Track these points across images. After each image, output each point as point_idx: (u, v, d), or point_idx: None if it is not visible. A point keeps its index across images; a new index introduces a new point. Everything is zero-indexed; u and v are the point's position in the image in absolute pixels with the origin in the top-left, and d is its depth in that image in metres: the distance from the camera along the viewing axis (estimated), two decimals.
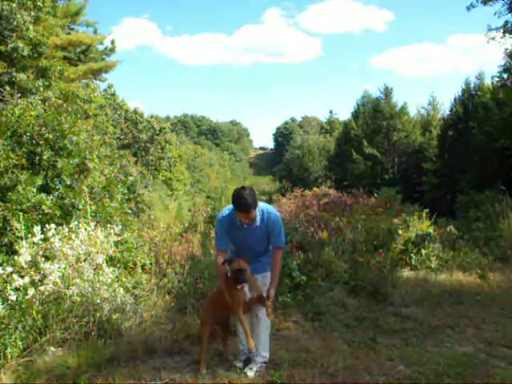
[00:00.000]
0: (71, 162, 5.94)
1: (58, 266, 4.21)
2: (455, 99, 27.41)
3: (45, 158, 5.70)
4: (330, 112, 68.78)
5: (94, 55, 19.06)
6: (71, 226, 4.63)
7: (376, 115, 34.09)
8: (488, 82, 24.20)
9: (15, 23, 9.01)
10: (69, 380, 3.49)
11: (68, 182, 5.76)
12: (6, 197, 5.20)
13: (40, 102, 7.85)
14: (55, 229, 4.41)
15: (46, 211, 5.24)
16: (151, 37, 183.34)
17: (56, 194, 5.64)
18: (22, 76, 9.32)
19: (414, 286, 6.23)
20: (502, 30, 15.25)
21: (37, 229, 4.29)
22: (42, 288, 4.07)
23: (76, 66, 17.08)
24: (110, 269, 4.64)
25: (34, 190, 5.32)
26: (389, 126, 33.17)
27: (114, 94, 20.92)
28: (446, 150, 26.68)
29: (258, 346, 3.73)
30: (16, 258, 4.15)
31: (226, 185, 49.73)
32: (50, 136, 5.85)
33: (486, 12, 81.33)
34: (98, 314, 4.23)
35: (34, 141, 5.79)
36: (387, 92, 34.61)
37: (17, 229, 4.77)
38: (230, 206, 3.53)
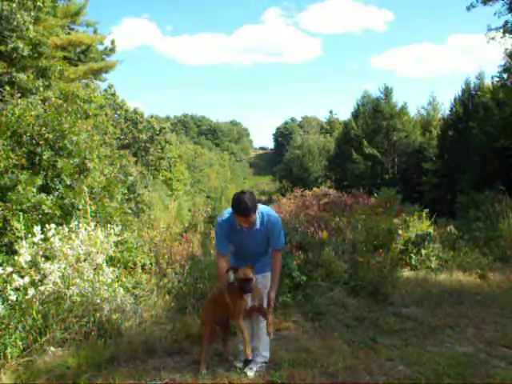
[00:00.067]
0: (71, 161, 5.95)
1: (58, 266, 4.21)
2: (455, 99, 27.43)
3: (45, 157, 5.70)
4: (330, 112, 68.98)
5: (93, 55, 19.05)
6: (71, 226, 4.63)
7: (376, 115, 34.11)
8: (488, 82, 24.25)
9: (15, 23, 9.00)
10: (69, 380, 3.48)
11: (68, 182, 5.76)
12: (6, 197, 5.19)
13: (40, 102, 7.85)
14: (55, 229, 4.41)
15: (46, 211, 5.24)
16: (151, 37, 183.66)
17: (56, 194, 5.64)
18: (21, 76, 9.32)
19: (414, 286, 6.23)
20: (501, 30, 15.25)
21: (37, 229, 4.29)
22: (42, 288, 4.07)
23: (76, 65, 17.08)
24: (110, 269, 4.63)
25: (34, 190, 5.32)
26: (389, 126, 33.18)
27: (114, 94, 20.94)
28: (446, 149, 26.69)
29: (258, 345, 3.74)
30: (16, 258, 4.14)
31: (226, 185, 49.81)
32: (50, 136, 5.85)
33: (486, 12, 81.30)
34: (98, 314, 4.23)
35: (34, 141, 5.79)
36: (387, 92, 34.62)
37: (17, 229, 4.76)
38: (230, 210, 3.53)
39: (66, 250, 4.34)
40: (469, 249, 7.91)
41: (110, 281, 4.47)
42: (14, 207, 5.09)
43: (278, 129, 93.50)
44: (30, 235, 4.34)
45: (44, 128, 5.87)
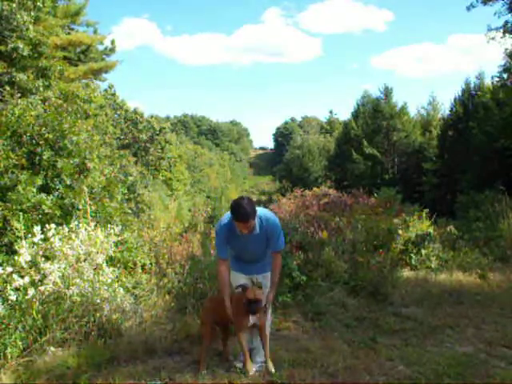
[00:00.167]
0: (71, 161, 5.95)
1: (58, 266, 4.21)
2: (455, 99, 27.43)
3: (45, 157, 5.70)
4: (330, 112, 68.94)
5: (93, 55, 19.07)
6: (71, 226, 4.63)
7: (376, 115, 34.11)
8: (488, 82, 24.26)
9: (15, 23, 9.00)
10: (69, 380, 3.49)
11: (68, 182, 5.76)
12: (6, 197, 5.20)
13: (40, 101, 7.87)
14: (55, 229, 4.41)
15: (46, 211, 5.24)
16: (151, 37, 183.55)
17: (56, 194, 5.65)
18: (21, 76, 9.32)
19: (414, 286, 6.23)
20: (502, 30, 15.26)
21: (37, 229, 4.29)
22: (42, 288, 4.07)
23: (76, 65, 17.08)
24: (109, 269, 4.64)
25: (34, 190, 5.32)
26: (389, 126, 33.18)
27: (114, 94, 20.97)
28: (446, 149, 26.70)
29: (258, 345, 3.74)
30: (16, 258, 4.15)
31: (226, 185, 49.84)
32: (50, 136, 5.86)
33: (486, 12, 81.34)
34: (98, 314, 4.23)
35: (34, 141, 5.79)
36: (387, 92, 34.62)
37: (17, 229, 4.76)
38: (229, 214, 3.53)
39: (66, 250, 4.34)
40: (469, 249, 7.91)
41: (109, 281, 4.47)
42: (14, 207, 5.09)
43: (277, 129, 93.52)
44: (29, 235, 4.34)
45: (44, 128, 5.87)
